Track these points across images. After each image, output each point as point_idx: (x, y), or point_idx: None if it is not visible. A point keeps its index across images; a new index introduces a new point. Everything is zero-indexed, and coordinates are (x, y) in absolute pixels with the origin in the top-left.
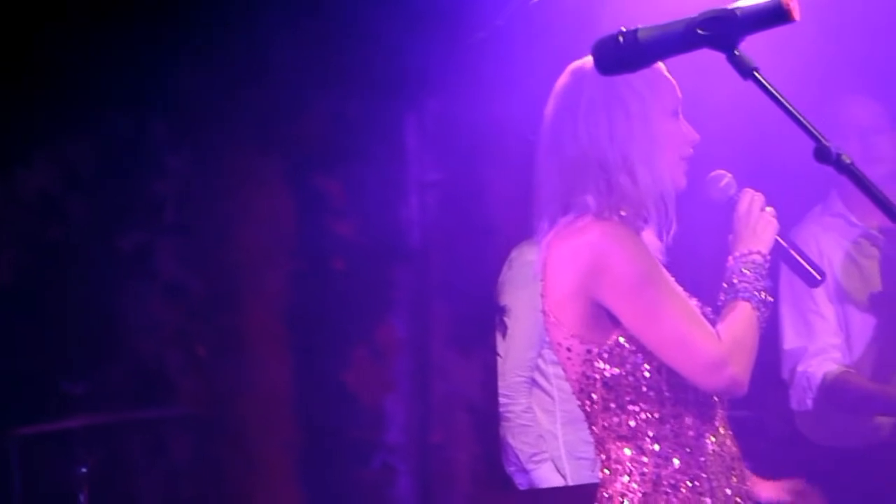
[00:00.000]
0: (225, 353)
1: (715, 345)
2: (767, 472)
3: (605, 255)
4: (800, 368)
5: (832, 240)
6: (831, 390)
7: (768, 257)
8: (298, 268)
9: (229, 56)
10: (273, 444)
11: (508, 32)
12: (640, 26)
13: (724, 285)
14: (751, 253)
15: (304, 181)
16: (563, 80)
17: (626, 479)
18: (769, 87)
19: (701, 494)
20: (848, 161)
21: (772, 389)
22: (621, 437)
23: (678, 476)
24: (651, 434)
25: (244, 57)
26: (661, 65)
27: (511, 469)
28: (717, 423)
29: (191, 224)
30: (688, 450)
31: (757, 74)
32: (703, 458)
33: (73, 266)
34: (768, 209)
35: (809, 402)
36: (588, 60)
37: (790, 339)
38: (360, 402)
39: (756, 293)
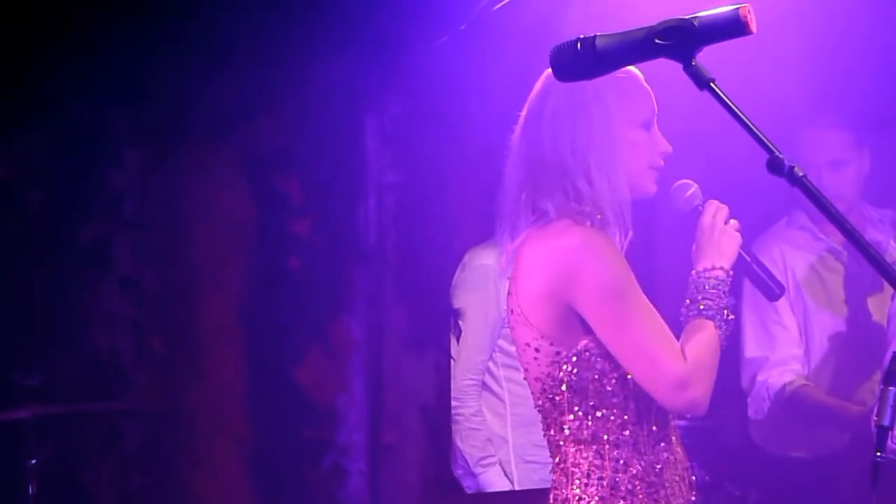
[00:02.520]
0: (179, 348)
1: (680, 364)
2: (721, 480)
3: (583, 261)
4: (760, 377)
5: (796, 252)
6: (790, 401)
7: (731, 273)
8: (254, 265)
9: (190, 51)
10: (224, 440)
11: (471, 37)
12: (598, 34)
13: (687, 301)
14: (714, 269)
15: (262, 179)
16: (536, 85)
17: (584, 482)
18: (725, 98)
19: (656, 501)
20: (801, 174)
21: (727, 398)
22: (581, 441)
23: (635, 482)
24: (611, 439)
25: (205, 53)
26: (639, 74)
27: (459, 472)
28: (671, 432)
29: (148, 218)
30: (646, 457)
31: (713, 85)
32: (659, 466)
33: (29, 257)
34: (732, 222)
35: (767, 412)
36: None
37: (751, 347)
38: (312, 402)
39: (720, 311)
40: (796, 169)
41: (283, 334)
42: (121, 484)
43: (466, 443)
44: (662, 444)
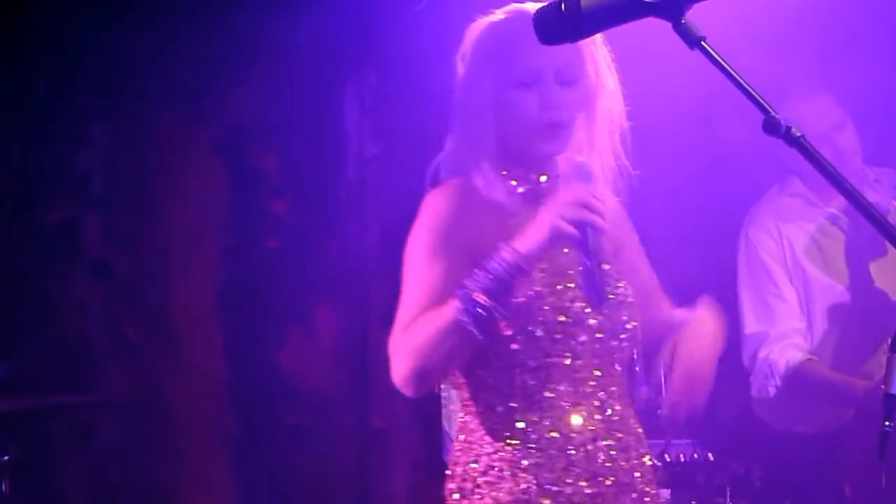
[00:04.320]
0: (153, 335)
1: (396, 335)
2: (724, 458)
3: (418, 217)
4: (761, 354)
5: (792, 221)
6: (793, 378)
7: (525, 263)
8: (231, 246)
9: (159, 23)
10: (204, 430)
11: (449, 3)
12: None
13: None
14: (505, 249)
15: (237, 155)
16: None
17: (455, 447)
18: (717, 56)
19: (514, 476)
20: (798, 134)
21: (730, 375)
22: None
23: (493, 456)
24: (471, 409)
25: (175, 24)
26: (517, 24)
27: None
28: (563, 408)
29: (117, 199)
30: (505, 429)
31: (704, 44)
32: (530, 446)
33: None
34: (595, 200)
35: (771, 390)
36: (481, 20)
37: (751, 323)
38: (295, 387)
39: (471, 295)
40: (793, 129)
41: (263, 318)
42: (97, 479)
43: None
44: (528, 419)
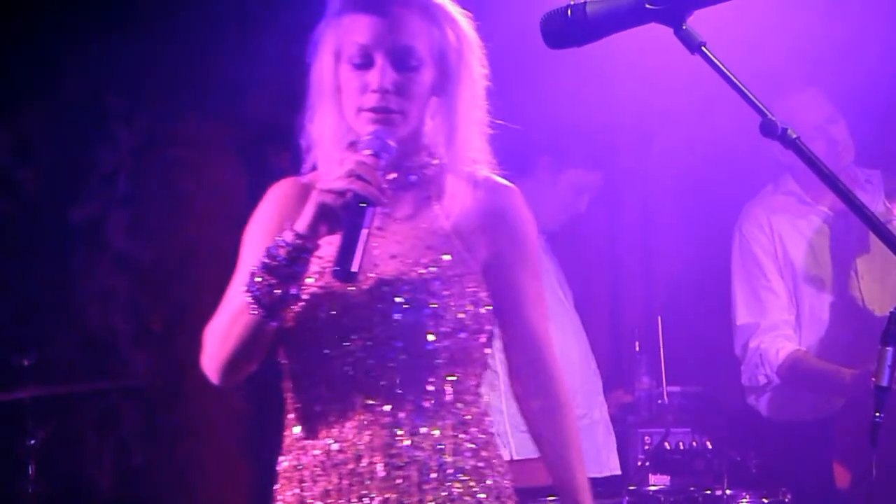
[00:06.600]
0: (176, 325)
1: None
2: (722, 446)
3: None
4: (752, 344)
5: (783, 217)
6: (783, 368)
7: (310, 243)
8: None
9: (183, 29)
10: (224, 417)
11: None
12: (588, 0)
13: None
14: (286, 231)
15: (256, 153)
16: None
17: None
18: (716, 61)
19: (300, 482)
20: (794, 136)
21: (726, 364)
22: None
23: (280, 464)
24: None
25: (198, 30)
26: (364, 5)
27: None
28: (348, 418)
29: (142, 195)
30: (311, 437)
31: (705, 49)
32: (293, 454)
33: (23, 236)
34: (340, 181)
35: (761, 378)
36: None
37: (742, 314)
38: None
39: (257, 281)
40: (790, 131)
41: None
42: (121, 464)
43: None
44: (318, 435)
